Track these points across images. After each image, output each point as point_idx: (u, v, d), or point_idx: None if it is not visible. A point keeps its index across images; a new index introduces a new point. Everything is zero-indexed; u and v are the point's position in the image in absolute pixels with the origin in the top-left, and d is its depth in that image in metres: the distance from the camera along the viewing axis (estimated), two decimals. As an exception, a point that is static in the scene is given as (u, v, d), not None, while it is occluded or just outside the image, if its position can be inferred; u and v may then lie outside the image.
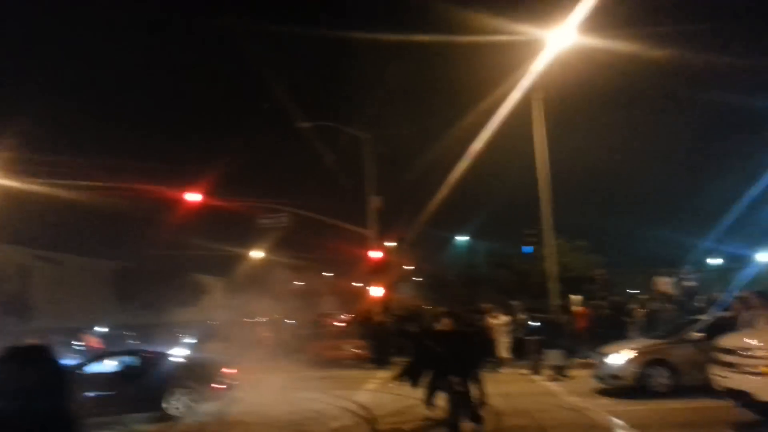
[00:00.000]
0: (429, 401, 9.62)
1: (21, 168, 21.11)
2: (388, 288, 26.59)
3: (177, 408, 11.33)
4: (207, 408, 11.72)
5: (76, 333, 22.78)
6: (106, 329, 24.63)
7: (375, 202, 25.36)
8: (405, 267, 39.01)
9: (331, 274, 50.30)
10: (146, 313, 41.24)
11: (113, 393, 11.18)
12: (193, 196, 23.86)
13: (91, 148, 42.45)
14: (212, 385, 11.85)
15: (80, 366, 11.81)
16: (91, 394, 10.76)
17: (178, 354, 15.85)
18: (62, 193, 22.94)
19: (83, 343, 18.83)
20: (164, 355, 13.10)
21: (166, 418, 11.22)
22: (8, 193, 22.33)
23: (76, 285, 40.49)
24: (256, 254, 43.64)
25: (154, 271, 42.18)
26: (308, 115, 23.94)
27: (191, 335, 23.99)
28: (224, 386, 12.01)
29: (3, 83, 49.38)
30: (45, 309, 36.81)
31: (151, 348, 16.36)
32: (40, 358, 2.41)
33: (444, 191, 24.45)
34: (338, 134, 26.11)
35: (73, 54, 60.76)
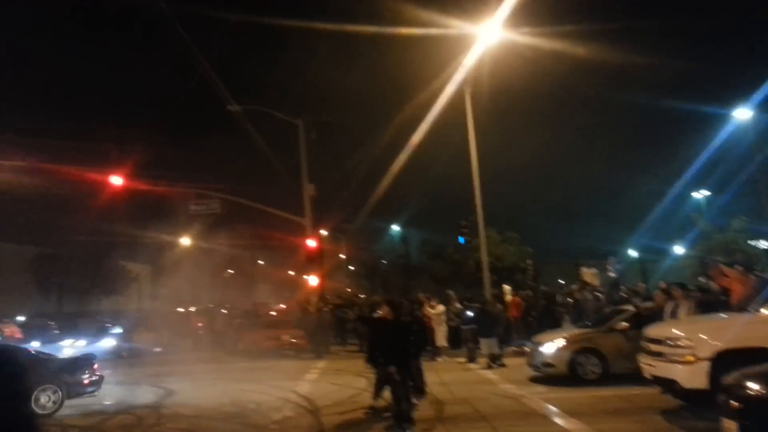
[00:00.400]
0: (378, 391, 9.69)
1: None
2: (325, 277, 26.55)
3: (46, 405, 10.95)
4: (78, 404, 11.48)
5: (-8, 322, 21.47)
6: (23, 318, 23.31)
7: (309, 189, 25.19)
8: (340, 255, 39.06)
9: (265, 262, 49.62)
10: (69, 302, 39.32)
11: None
12: (115, 179, 22.97)
13: (6, 126, 39.81)
14: (83, 381, 11.65)
15: None
16: None
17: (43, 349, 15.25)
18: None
19: (2, 333, 17.78)
20: (30, 352, 12.69)
21: (33, 416, 10.77)
22: None
23: (-11, 271, 37.99)
24: (187, 241, 42.44)
25: (76, 258, 40.14)
26: (242, 102, 23.47)
27: (118, 325, 23.09)
28: (93, 382, 11.83)
29: None
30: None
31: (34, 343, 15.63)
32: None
33: (380, 182, 24.64)
34: (272, 121, 25.75)
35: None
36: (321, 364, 17.26)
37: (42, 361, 12.14)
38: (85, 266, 39.73)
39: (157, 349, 20.66)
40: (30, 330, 20.02)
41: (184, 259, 41.90)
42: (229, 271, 46.96)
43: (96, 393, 11.92)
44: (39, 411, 10.82)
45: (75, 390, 11.52)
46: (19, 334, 16.72)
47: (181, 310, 27.09)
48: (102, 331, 21.46)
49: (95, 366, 12.12)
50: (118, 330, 22.18)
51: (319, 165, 27.44)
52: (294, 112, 25.24)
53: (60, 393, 11.12)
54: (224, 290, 38.81)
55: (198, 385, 13.48)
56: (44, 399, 10.95)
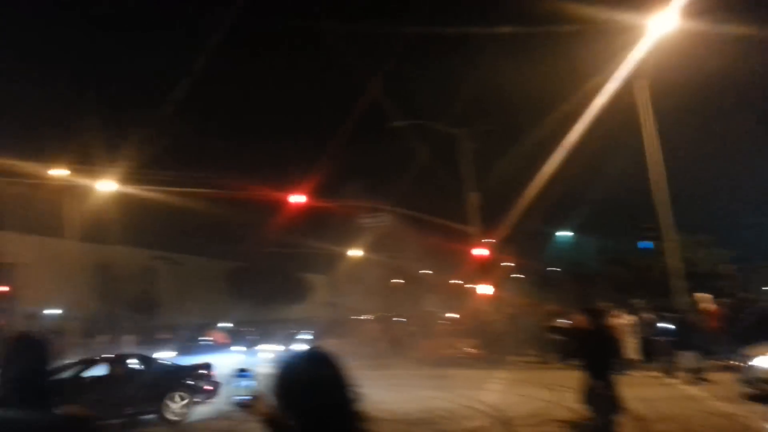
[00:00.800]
0: (583, 403, 9.27)
1: (141, 177, 22.68)
2: (497, 285, 26.22)
3: (174, 411, 11.32)
4: (200, 410, 11.73)
5: (201, 329, 24.28)
6: (231, 325, 25.89)
7: (474, 198, 25.05)
8: (508, 264, 38.33)
9: (431, 272, 50.22)
10: (259, 310, 43.26)
11: (113, 396, 10.97)
12: (299, 198, 24.71)
13: (203, 158, 44.93)
14: (204, 387, 11.93)
15: (81, 370, 11.49)
16: (93, 397, 10.51)
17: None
18: (179, 200, 24.51)
19: (210, 339, 20.06)
20: (158, 360, 13.21)
21: (163, 421, 11.24)
22: (131, 200, 24.18)
23: (194, 284, 43.10)
24: (358, 252, 44.56)
25: (264, 270, 44.12)
26: (404, 115, 24.14)
27: (307, 331, 24.78)
28: (213, 388, 12.04)
29: (120, 103, 53.68)
30: (169, 306, 39.49)
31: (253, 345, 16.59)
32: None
33: (543, 186, 23.72)
34: (434, 132, 26.06)
35: (180, 69, 64.62)
36: (501, 373, 17.01)
37: (173, 368, 12.72)
38: (270, 278, 43.57)
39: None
40: (235, 336, 22.25)
41: (355, 269, 44.00)
42: (397, 280, 48.30)
43: (215, 399, 12.00)
44: (168, 416, 11.25)
45: (200, 397, 11.82)
46: (226, 340, 18.63)
47: (359, 317, 28.38)
48: (291, 337, 23.19)
49: (213, 373, 12.40)
50: (305, 336, 23.81)
51: (484, 172, 27.18)
52: (454, 122, 25.39)
53: (188, 399, 11.49)
54: (394, 299, 39.99)
55: (386, 391, 13.92)
56: (173, 404, 11.34)
